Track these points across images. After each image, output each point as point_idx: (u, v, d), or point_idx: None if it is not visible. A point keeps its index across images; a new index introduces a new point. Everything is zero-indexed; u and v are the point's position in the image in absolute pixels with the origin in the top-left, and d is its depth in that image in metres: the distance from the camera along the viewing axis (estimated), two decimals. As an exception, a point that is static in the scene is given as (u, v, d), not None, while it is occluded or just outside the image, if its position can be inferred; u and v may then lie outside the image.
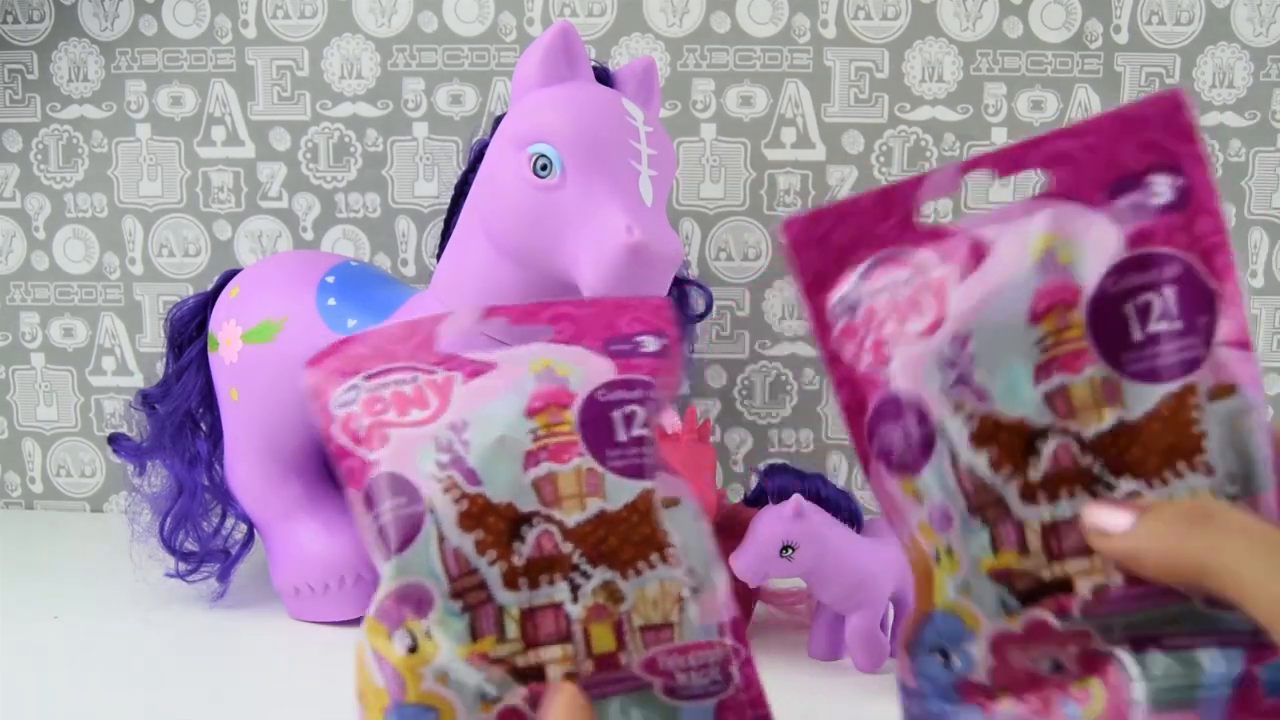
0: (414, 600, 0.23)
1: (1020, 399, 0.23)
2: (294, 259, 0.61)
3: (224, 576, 0.60)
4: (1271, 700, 0.22)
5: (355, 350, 0.26)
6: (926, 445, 0.23)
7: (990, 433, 0.23)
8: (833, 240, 0.24)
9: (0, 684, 0.49)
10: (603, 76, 0.53)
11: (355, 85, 0.74)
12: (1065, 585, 0.23)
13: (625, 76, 0.53)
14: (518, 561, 0.23)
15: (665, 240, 0.47)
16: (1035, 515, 0.23)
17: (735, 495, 0.76)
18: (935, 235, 0.24)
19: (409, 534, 0.24)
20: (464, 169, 0.57)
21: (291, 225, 0.76)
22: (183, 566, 0.59)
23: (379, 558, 0.24)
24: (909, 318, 0.24)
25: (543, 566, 0.23)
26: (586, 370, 0.25)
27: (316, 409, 0.26)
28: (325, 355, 0.26)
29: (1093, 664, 0.22)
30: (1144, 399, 0.23)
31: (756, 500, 0.55)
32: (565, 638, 0.23)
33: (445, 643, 0.23)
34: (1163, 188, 0.23)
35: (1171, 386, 0.23)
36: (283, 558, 0.59)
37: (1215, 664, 0.22)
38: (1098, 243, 0.23)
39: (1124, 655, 0.22)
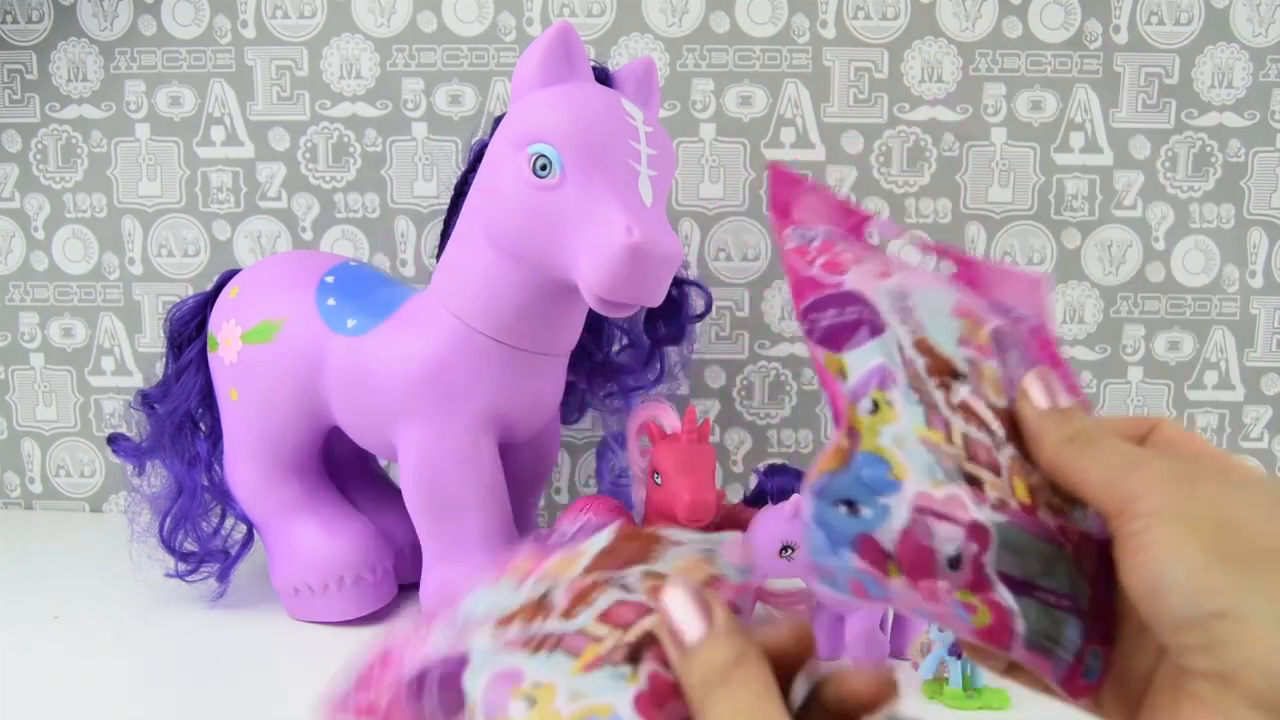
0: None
1: (948, 348, 0.26)
2: (293, 259, 0.61)
3: (224, 576, 0.60)
4: (1086, 682, 0.24)
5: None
6: (872, 330, 0.26)
7: (926, 348, 0.26)
8: (804, 199, 0.29)
9: (0, 684, 0.49)
10: (602, 76, 0.53)
11: (354, 85, 0.74)
12: (978, 482, 0.24)
13: (625, 76, 0.53)
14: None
15: (665, 240, 0.47)
16: (958, 422, 0.25)
17: (735, 495, 0.76)
18: (872, 249, 0.29)
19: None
20: (463, 169, 0.57)
21: (290, 225, 0.76)
22: (183, 566, 0.59)
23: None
24: (861, 260, 0.28)
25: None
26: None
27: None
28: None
29: (979, 584, 0.24)
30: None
31: (756, 500, 0.55)
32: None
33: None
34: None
35: None
36: (282, 558, 0.59)
37: (1071, 631, 0.24)
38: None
39: (1004, 590, 0.23)
